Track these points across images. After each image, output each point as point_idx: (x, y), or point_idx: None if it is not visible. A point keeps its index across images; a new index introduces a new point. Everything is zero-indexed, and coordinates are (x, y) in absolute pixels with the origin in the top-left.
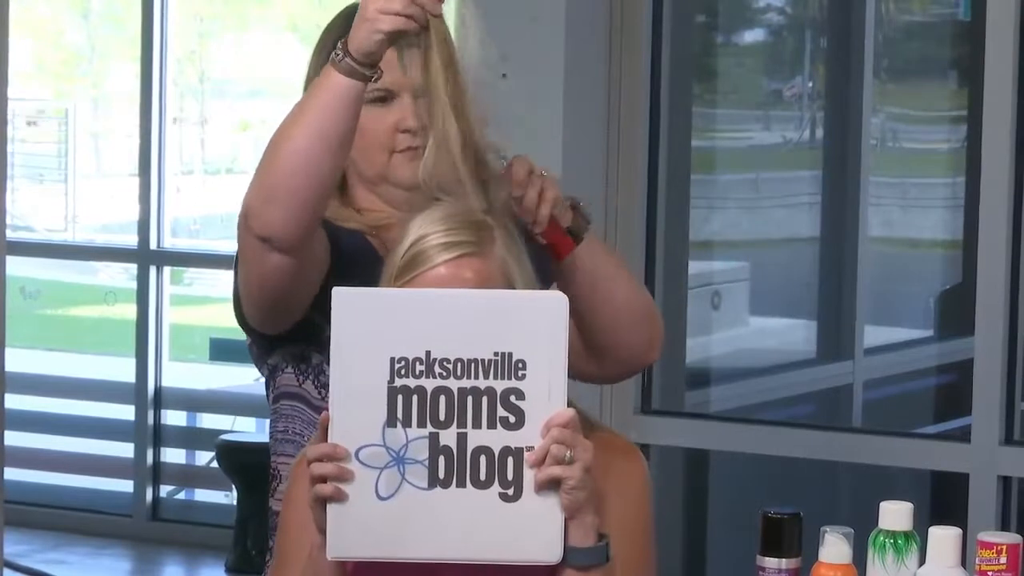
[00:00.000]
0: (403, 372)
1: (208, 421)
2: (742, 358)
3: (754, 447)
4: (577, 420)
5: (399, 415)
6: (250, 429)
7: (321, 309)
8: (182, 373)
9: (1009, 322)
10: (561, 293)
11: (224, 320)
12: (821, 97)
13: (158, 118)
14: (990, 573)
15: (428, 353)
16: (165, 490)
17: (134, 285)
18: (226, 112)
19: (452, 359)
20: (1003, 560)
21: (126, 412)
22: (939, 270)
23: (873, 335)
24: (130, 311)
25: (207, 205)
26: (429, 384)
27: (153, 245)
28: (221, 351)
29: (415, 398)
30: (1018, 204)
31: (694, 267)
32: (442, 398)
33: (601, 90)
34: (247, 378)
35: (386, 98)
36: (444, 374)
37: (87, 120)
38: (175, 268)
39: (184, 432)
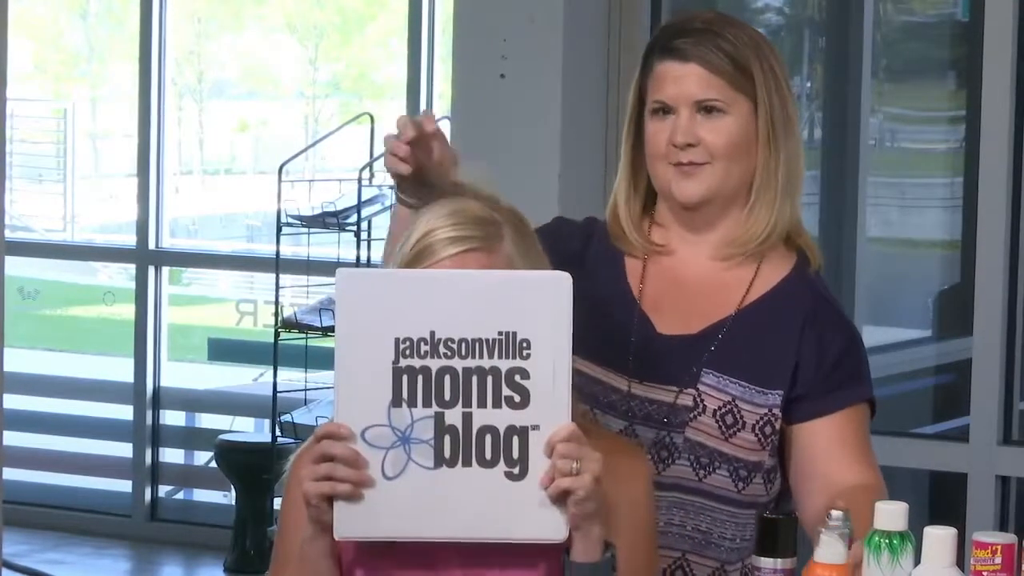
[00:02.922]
0: (408, 352)
1: (207, 421)
2: None
3: None
4: (579, 432)
5: (404, 395)
6: (248, 429)
7: None
8: (181, 373)
9: (1007, 322)
10: (565, 273)
11: (222, 320)
12: (819, 97)
13: (156, 118)
14: (985, 573)
15: (433, 333)
16: (164, 490)
17: (132, 285)
18: (224, 112)
19: (457, 339)
20: (998, 560)
21: (125, 412)
22: (937, 270)
23: (871, 335)
24: (128, 311)
25: (205, 205)
26: (434, 364)
27: (152, 245)
28: (219, 351)
29: (420, 378)
30: (1016, 204)
31: None
32: (447, 378)
33: (599, 90)
34: (246, 378)
35: (665, 110)
36: (449, 354)
37: (86, 120)
38: (173, 268)
39: (183, 432)
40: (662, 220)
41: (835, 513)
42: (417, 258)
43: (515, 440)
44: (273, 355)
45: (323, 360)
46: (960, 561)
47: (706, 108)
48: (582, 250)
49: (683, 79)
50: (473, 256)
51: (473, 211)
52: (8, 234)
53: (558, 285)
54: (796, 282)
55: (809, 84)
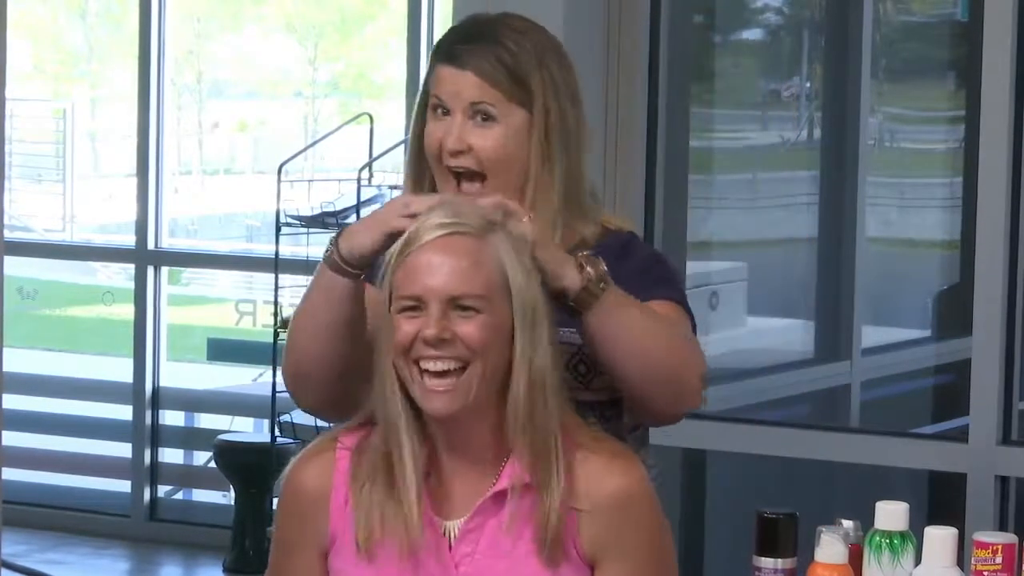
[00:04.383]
0: None
1: (206, 421)
2: (739, 358)
3: (751, 447)
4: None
5: None
6: (248, 429)
7: None
8: (180, 373)
9: (1007, 322)
10: None
11: (221, 320)
12: (819, 97)
13: (156, 118)
14: (985, 573)
15: None
16: (163, 490)
17: (132, 285)
18: (224, 112)
19: None
20: (998, 560)
21: (124, 412)
22: (937, 270)
23: (871, 335)
24: (128, 311)
25: (205, 205)
26: None
27: (151, 245)
28: (219, 351)
29: None
30: (1015, 204)
31: (692, 267)
32: None
33: (599, 90)
34: (245, 378)
35: (444, 110)
36: None
37: (85, 120)
38: (173, 268)
39: (182, 432)
40: None
41: (845, 523)
42: (409, 242)
43: None
44: (272, 355)
45: None
46: (960, 561)
47: (478, 114)
48: None
49: (459, 84)
50: (460, 240)
51: (471, 208)
52: (7, 234)
53: None
54: (609, 235)
55: (809, 84)
